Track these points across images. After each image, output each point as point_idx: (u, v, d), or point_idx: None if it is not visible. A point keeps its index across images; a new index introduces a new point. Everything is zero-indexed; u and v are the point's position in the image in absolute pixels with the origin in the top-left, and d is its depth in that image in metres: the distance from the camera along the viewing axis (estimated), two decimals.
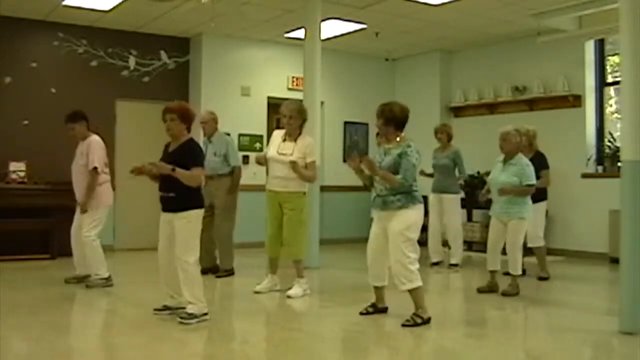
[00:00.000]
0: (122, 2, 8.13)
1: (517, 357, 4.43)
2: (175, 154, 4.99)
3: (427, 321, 4.92)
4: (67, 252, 6.90)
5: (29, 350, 4.30)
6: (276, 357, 4.35)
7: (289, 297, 5.95)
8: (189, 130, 5.10)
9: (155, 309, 5.17)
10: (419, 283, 4.92)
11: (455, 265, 8.03)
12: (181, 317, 4.86)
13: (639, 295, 4.64)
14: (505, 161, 6.21)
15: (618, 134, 8.59)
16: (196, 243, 4.96)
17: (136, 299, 6.04)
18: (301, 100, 7.08)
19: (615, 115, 9.13)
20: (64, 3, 8.17)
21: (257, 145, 9.93)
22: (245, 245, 8.68)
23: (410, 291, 4.94)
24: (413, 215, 4.94)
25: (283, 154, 5.88)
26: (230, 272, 7.19)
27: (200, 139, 7.02)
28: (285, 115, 5.92)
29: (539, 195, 6.81)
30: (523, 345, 4.76)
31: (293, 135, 5.95)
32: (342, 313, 5.55)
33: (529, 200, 6.17)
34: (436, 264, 8.10)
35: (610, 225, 8.23)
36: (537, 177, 6.74)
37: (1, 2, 8.14)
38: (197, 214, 4.98)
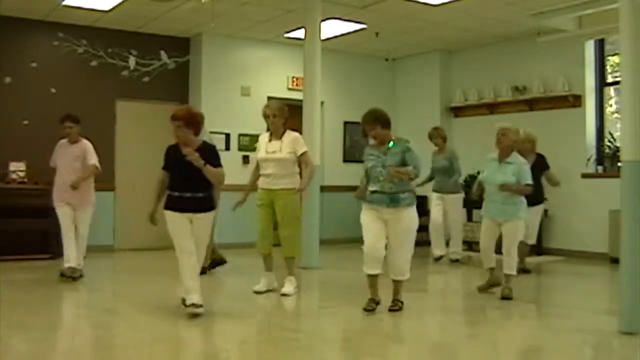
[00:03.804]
0: (122, 2, 8.13)
1: (517, 357, 4.43)
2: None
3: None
4: None
5: (29, 350, 4.30)
6: (276, 357, 4.35)
7: (283, 294, 5.97)
8: (197, 133, 5.14)
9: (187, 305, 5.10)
10: (409, 275, 5.38)
11: (457, 260, 8.29)
12: (192, 307, 4.99)
13: (639, 295, 4.64)
14: (500, 159, 6.05)
15: (618, 134, 8.59)
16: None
17: (136, 298, 6.04)
18: (282, 101, 7.17)
19: (615, 115, 9.12)
20: (64, 3, 8.17)
21: (257, 145, 9.91)
22: (239, 245, 8.66)
23: (401, 281, 5.34)
24: (416, 213, 5.30)
25: (272, 152, 6.06)
26: (223, 261, 7.36)
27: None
28: (269, 115, 6.13)
29: (536, 198, 6.89)
30: (523, 345, 4.76)
31: (278, 133, 6.11)
32: (342, 313, 5.55)
33: (524, 200, 6.05)
34: (439, 258, 8.33)
35: (610, 225, 8.21)
36: (539, 179, 6.83)
37: (1, 2, 8.14)
38: (214, 213, 5.31)
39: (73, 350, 4.42)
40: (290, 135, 6.11)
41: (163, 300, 5.93)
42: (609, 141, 8.91)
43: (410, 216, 5.22)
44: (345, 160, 10.95)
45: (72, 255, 6.64)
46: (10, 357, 4.06)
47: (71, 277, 6.59)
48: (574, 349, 4.54)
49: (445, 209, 8.29)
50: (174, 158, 5.13)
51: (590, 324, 5.20)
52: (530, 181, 5.99)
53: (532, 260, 8.34)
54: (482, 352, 4.51)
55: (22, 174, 8.45)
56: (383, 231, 5.23)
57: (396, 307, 5.33)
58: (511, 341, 4.80)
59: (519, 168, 5.96)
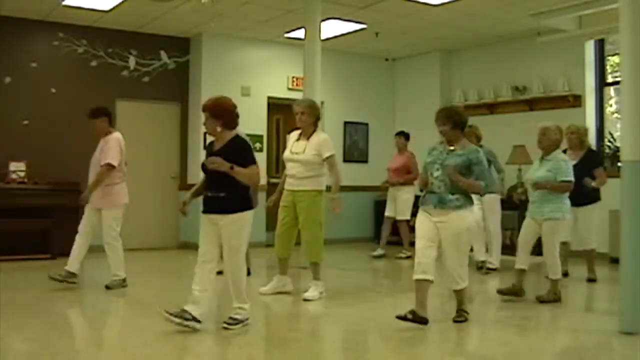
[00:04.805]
0: (122, 2, 8.13)
1: (516, 356, 4.43)
2: (221, 154, 4.63)
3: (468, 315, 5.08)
4: (67, 252, 6.88)
5: (29, 350, 4.30)
6: (276, 357, 4.35)
7: (305, 299, 5.85)
8: (228, 125, 4.78)
9: (169, 314, 4.58)
10: (467, 282, 5.09)
11: (494, 269, 7.64)
12: (227, 323, 4.69)
13: (639, 295, 4.64)
14: (541, 158, 5.93)
15: (618, 134, 8.59)
16: (246, 246, 4.75)
17: (136, 299, 6.04)
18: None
19: (615, 115, 9.12)
20: (64, 3, 8.18)
21: (257, 145, 9.92)
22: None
23: (459, 290, 5.04)
24: (470, 217, 4.98)
25: (295, 153, 5.87)
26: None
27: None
28: (297, 112, 5.89)
29: (591, 196, 6.75)
30: (522, 345, 4.75)
31: (307, 132, 5.91)
32: (343, 313, 5.55)
33: (565, 199, 5.81)
34: (481, 266, 7.71)
35: (610, 225, 8.21)
36: (592, 176, 6.71)
37: (1, 2, 8.14)
38: (249, 215, 4.71)
39: (73, 350, 4.42)
40: (319, 136, 5.89)
41: (163, 300, 5.92)
42: (609, 141, 8.91)
43: (459, 219, 4.83)
44: (345, 160, 10.94)
45: (72, 258, 6.31)
46: (10, 357, 4.06)
47: (60, 280, 6.17)
48: (574, 349, 4.55)
49: (482, 210, 7.53)
50: (206, 155, 4.79)
51: (590, 324, 5.20)
52: (567, 178, 5.72)
53: (532, 261, 8.32)
54: (482, 351, 4.51)
55: (22, 174, 8.45)
56: (433, 235, 4.87)
57: (461, 318, 5.01)
58: (511, 341, 4.79)
59: (557, 164, 5.76)
